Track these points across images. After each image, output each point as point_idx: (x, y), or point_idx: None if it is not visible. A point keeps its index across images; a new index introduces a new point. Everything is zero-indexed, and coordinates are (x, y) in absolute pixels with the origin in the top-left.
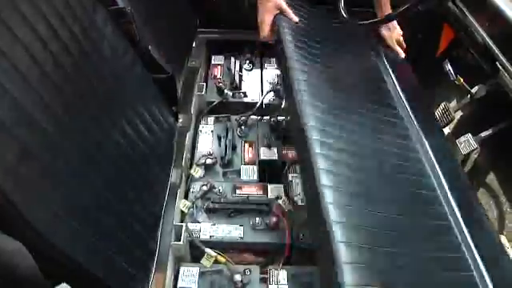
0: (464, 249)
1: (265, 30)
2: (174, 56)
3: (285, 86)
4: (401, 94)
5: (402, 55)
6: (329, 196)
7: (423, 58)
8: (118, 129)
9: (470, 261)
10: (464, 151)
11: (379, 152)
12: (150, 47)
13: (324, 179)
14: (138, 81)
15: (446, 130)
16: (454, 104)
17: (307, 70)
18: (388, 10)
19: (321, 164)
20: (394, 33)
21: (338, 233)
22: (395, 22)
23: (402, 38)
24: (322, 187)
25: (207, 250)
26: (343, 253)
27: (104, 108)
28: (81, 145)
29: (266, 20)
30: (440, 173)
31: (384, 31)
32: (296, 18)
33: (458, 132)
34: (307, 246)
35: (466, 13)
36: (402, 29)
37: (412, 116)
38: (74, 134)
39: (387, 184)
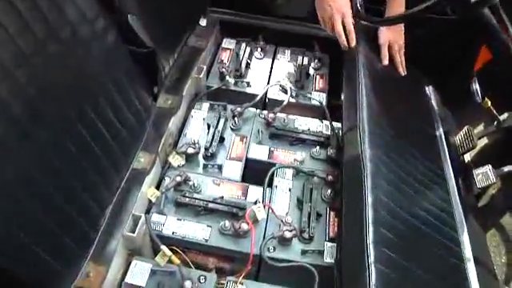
0: None
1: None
2: (169, 30)
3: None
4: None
5: (385, 62)
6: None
7: (453, 73)
8: (74, 104)
9: None
10: (480, 184)
11: (424, 210)
12: (129, 15)
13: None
14: (107, 52)
15: (466, 157)
16: (478, 130)
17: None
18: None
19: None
20: (395, 39)
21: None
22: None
23: (402, 51)
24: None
25: (163, 246)
26: None
27: (59, 79)
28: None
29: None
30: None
31: (386, 34)
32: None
33: (477, 161)
34: (274, 263)
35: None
36: (434, 41)
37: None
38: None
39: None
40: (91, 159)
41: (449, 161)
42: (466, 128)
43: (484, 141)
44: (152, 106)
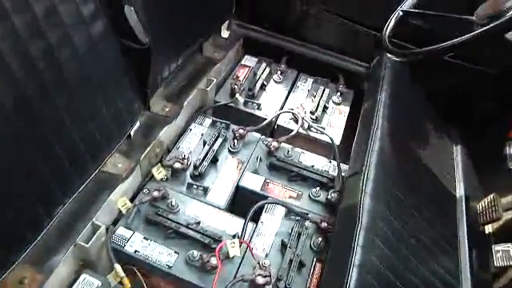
0: None
1: None
2: (176, 32)
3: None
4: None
5: None
6: None
7: (486, 133)
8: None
9: None
10: (499, 263)
11: (423, 282)
12: (126, 5)
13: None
14: (91, 40)
15: (487, 229)
16: (506, 200)
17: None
18: None
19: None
20: None
21: None
22: None
23: None
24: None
25: (116, 265)
26: None
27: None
28: None
29: None
30: None
31: None
32: None
33: (500, 236)
34: None
35: None
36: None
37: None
38: None
39: None
40: (46, 151)
41: (465, 229)
42: (491, 196)
43: (511, 214)
44: (139, 110)
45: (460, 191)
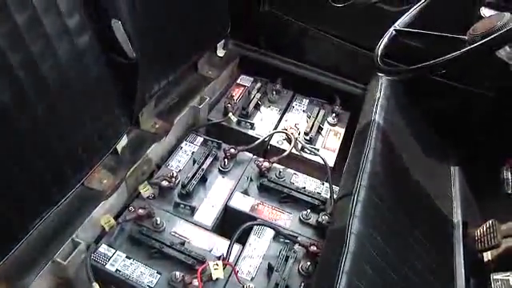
0: None
1: None
2: (165, 48)
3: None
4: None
5: None
6: None
7: (484, 155)
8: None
9: None
10: None
11: None
12: (113, 20)
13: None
14: (77, 51)
15: (486, 256)
16: (506, 227)
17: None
18: None
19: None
20: None
21: None
22: None
23: None
24: None
25: (94, 284)
26: None
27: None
28: None
29: None
30: None
31: None
32: None
33: (498, 264)
34: None
35: None
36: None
37: None
38: None
39: None
40: (24, 162)
41: (462, 255)
42: (490, 221)
43: (510, 241)
44: (125, 125)
45: (457, 216)
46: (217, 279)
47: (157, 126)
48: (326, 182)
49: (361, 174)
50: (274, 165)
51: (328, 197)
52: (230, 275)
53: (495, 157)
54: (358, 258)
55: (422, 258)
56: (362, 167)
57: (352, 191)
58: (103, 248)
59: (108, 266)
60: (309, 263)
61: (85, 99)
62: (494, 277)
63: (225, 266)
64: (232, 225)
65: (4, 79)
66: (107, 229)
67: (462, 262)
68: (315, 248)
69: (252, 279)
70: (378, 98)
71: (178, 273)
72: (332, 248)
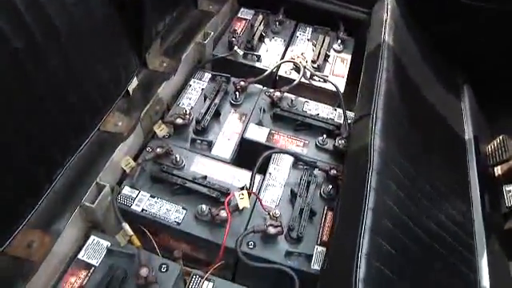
0: None
1: None
2: None
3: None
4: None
5: None
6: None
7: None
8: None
9: None
10: (510, 203)
11: (438, 225)
12: None
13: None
14: None
15: (497, 170)
16: None
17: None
18: None
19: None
20: None
21: None
22: None
23: None
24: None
25: (124, 224)
26: None
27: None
28: None
29: None
30: None
31: None
32: None
33: (509, 177)
34: (249, 261)
35: None
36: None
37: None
38: None
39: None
40: (41, 113)
41: (476, 171)
42: (501, 137)
43: None
44: (135, 65)
45: (469, 133)
46: (243, 209)
47: (164, 64)
48: (338, 107)
49: (377, 93)
50: (285, 94)
51: (341, 122)
52: (254, 204)
53: (504, 74)
54: (382, 175)
55: (439, 174)
56: (377, 87)
57: (370, 111)
58: (126, 190)
59: (134, 207)
60: (330, 186)
61: (94, 41)
62: (507, 188)
63: (249, 195)
64: (250, 156)
65: (14, 25)
66: (128, 171)
67: (476, 176)
68: (335, 171)
69: (276, 207)
70: (386, 20)
71: (204, 206)
72: (355, 168)
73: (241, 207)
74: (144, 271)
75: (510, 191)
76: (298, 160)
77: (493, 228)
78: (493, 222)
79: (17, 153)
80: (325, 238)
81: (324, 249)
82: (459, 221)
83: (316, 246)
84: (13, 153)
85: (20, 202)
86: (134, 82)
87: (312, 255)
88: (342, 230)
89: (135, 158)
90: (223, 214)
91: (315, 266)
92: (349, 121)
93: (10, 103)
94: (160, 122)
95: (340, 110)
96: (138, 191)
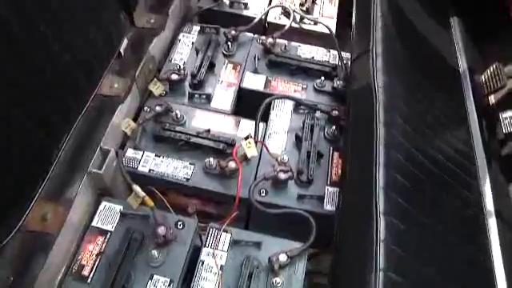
0: None
1: None
2: None
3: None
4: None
5: None
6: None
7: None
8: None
9: None
10: (507, 129)
11: (442, 154)
12: None
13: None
14: None
15: (492, 99)
16: (510, 67)
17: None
18: None
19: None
20: None
21: None
22: None
23: None
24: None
25: (135, 186)
26: None
27: None
28: None
29: None
30: None
31: None
32: None
33: (505, 104)
34: (265, 208)
35: None
36: None
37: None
38: None
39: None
40: (40, 82)
41: (472, 101)
42: (494, 65)
43: None
44: (125, 23)
45: (462, 65)
46: (250, 158)
47: (152, 20)
48: (332, 49)
49: (374, 29)
50: (278, 40)
51: (337, 62)
52: (260, 152)
53: (491, 3)
54: (389, 111)
55: (439, 105)
56: (373, 23)
57: (369, 47)
58: (130, 152)
59: (140, 168)
60: (334, 127)
61: (83, 2)
62: (503, 115)
63: (256, 143)
64: (249, 105)
65: None
66: (129, 133)
67: (473, 105)
68: (337, 112)
69: (283, 152)
70: None
71: (211, 159)
72: (360, 105)
73: (249, 156)
74: (161, 230)
75: (506, 118)
76: (298, 104)
77: (492, 154)
78: (491, 148)
79: (21, 125)
80: (334, 179)
81: (335, 189)
82: (461, 149)
83: (327, 187)
84: (17, 125)
85: (31, 176)
86: (125, 42)
87: (324, 196)
88: (354, 167)
89: (134, 120)
90: (232, 164)
91: (328, 206)
92: (344, 61)
93: (3, 74)
94: (155, 80)
95: (334, 52)
96: (142, 152)
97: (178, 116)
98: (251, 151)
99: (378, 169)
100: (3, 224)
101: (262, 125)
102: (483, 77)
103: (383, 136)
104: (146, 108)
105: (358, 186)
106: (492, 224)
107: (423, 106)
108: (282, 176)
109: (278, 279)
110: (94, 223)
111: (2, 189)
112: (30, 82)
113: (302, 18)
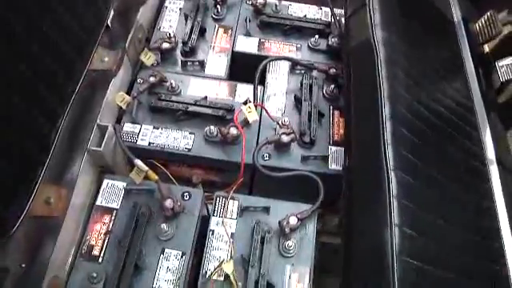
0: None
1: None
2: None
3: None
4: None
5: None
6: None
7: None
8: None
9: None
10: (503, 77)
11: (443, 106)
12: None
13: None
14: None
15: (486, 48)
16: (504, 14)
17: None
18: None
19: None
20: None
21: None
22: None
23: None
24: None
25: (137, 161)
26: None
27: None
28: None
29: None
30: None
31: None
32: None
33: (500, 52)
34: (270, 172)
35: None
36: None
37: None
38: None
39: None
40: (32, 62)
41: (468, 50)
42: (489, 13)
43: (509, 28)
44: None
45: (457, 15)
46: (251, 123)
47: None
48: (323, 6)
49: None
50: (267, 0)
51: (329, 19)
52: (260, 116)
53: None
54: (390, 64)
55: (437, 57)
56: None
57: (365, 2)
58: (128, 126)
59: (139, 142)
60: (332, 86)
61: None
62: (499, 63)
63: (255, 107)
64: (244, 69)
65: None
66: (124, 107)
67: (469, 55)
68: (334, 70)
69: (283, 115)
70: None
71: (212, 127)
72: (362, 60)
73: (251, 121)
74: (169, 203)
75: (502, 66)
76: (294, 65)
77: (490, 104)
78: (489, 98)
79: (16, 107)
80: (337, 138)
81: (338, 148)
82: (461, 101)
83: (329, 147)
84: (12, 107)
85: (32, 160)
86: (111, 14)
87: (328, 156)
88: (360, 124)
89: (128, 93)
90: (234, 131)
91: (333, 166)
92: (337, 18)
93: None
94: (145, 50)
95: (326, 9)
96: (139, 126)
97: (173, 85)
98: (252, 115)
99: (384, 124)
100: (9, 211)
101: (259, 88)
102: (477, 25)
103: (387, 90)
104: (139, 80)
105: (366, 143)
106: (494, 172)
107: (422, 60)
108: (285, 138)
109: (289, 242)
110: (98, 202)
111: (4, 176)
112: (20, 62)
113: None
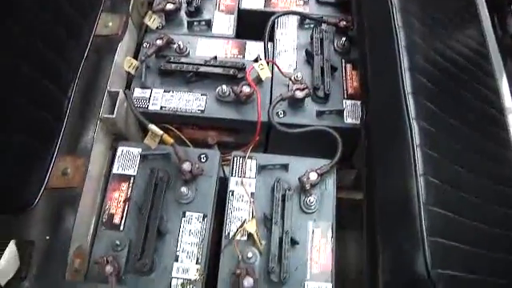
0: None
1: None
2: None
3: None
4: None
5: None
6: None
7: None
8: None
9: None
10: None
11: (459, 54)
12: None
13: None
14: None
15: None
16: None
17: None
18: None
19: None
20: None
21: None
22: None
23: None
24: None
25: (151, 125)
26: None
27: None
28: None
29: None
30: None
31: None
32: None
33: None
34: (286, 129)
35: None
36: None
37: None
38: None
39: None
40: (38, 28)
41: None
42: None
43: None
44: None
45: None
46: (263, 80)
47: None
48: None
49: None
50: None
51: None
52: (272, 73)
53: None
54: (404, 12)
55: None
56: None
57: None
58: (138, 92)
59: (151, 107)
60: (344, 39)
61: None
62: None
63: (267, 63)
64: (252, 27)
65: None
66: (133, 72)
67: (484, 1)
68: (345, 23)
69: (295, 70)
70: None
71: (224, 86)
72: (376, 11)
73: (263, 78)
74: (187, 166)
75: None
76: (303, 19)
77: (506, 50)
78: (504, 43)
79: (28, 77)
80: (350, 91)
81: (352, 101)
82: (476, 48)
83: (344, 101)
84: (24, 78)
85: (47, 131)
86: None
87: (343, 110)
88: (377, 76)
89: (135, 58)
90: (246, 89)
91: (348, 119)
92: None
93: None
94: (149, 12)
95: None
96: (149, 90)
97: (181, 47)
98: (265, 72)
99: (404, 73)
100: (29, 184)
101: (269, 45)
102: None
103: (404, 40)
104: (145, 44)
105: (385, 94)
106: (511, 120)
107: (436, 7)
108: (299, 94)
109: (311, 198)
110: (114, 170)
111: (22, 149)
112: (28, 31)
113: None
